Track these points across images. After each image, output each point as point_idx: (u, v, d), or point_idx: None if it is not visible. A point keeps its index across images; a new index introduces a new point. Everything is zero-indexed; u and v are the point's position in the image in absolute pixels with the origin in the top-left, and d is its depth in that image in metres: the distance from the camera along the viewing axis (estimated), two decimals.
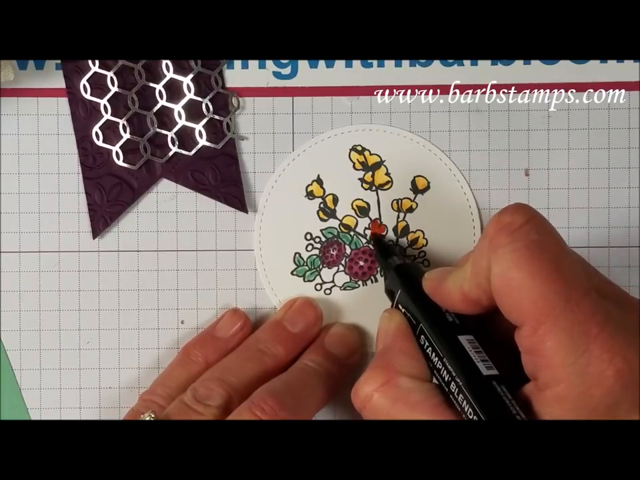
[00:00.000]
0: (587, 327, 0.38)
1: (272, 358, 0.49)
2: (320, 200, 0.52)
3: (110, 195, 0.52)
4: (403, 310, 0.47)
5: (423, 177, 0.52)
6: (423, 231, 0.52)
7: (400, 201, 0.52)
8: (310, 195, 0.52)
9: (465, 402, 0.41)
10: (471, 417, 0.40)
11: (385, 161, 0.52)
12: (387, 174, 0.52)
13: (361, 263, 0.52)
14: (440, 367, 0.43)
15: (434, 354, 0.44)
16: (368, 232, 0.52)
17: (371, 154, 0.52)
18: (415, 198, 0.52)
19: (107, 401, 0.52)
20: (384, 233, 0.52)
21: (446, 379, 0.42)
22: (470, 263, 0.42)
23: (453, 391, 0.42)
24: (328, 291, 0.52)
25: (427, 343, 0.44)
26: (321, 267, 0.52)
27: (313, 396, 0.48)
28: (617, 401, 0.38)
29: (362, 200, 0.52)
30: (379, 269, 0.52)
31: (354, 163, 0.52)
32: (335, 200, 0.52)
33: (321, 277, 0.52)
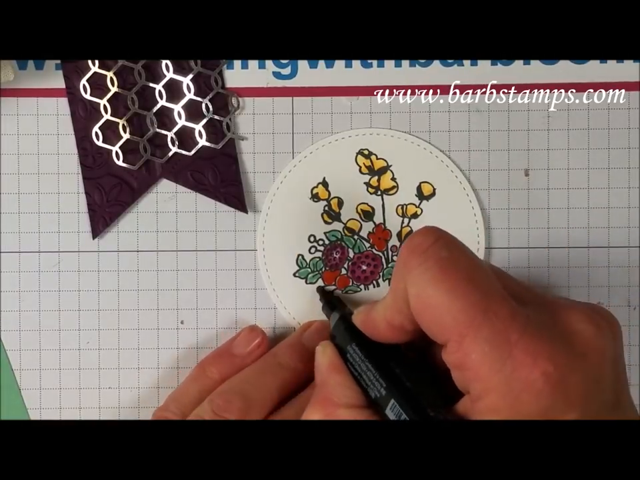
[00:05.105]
0: (507, 333, 0.38)
1: (290, 372, 0.49)
2: (325, 202, 0.52)
3: (110, 195, 0.52)
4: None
5: (428, 183, 0.52)
6: None
7: (405, 206, 0.52)
8: (315, 197, 0.52)
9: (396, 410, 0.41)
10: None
11: (391, 165, 0.52)
12: (393, 179, 0.52)
13: (364, 267, 0.52)
14: (370, 383, 0.43)
15: (365, 374, 0.44)
16: (372, 237, 0.52)
17: (377, 158, 0.52)
18: (420, 204, 0.52)
19: (107, 401, 0.52)
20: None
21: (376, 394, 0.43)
22: (389, 291, 0.42)
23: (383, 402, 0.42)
24: None
25: (357, 366, 0.45)
26: (323, 269, 0.52)
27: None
28: (549, 402, 0.38)
29: (367, 204, 0.52)
30: (381, 274, 0.52)
31: (360, 167, 0.52)
32: (340, 203, 0.52)
33: (323, 279, 0.52)
